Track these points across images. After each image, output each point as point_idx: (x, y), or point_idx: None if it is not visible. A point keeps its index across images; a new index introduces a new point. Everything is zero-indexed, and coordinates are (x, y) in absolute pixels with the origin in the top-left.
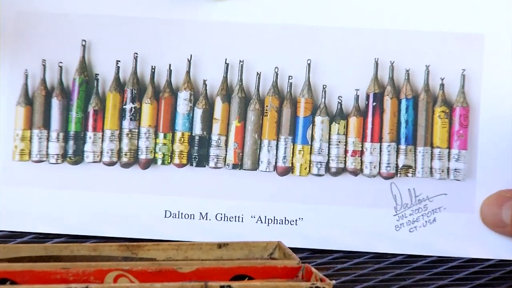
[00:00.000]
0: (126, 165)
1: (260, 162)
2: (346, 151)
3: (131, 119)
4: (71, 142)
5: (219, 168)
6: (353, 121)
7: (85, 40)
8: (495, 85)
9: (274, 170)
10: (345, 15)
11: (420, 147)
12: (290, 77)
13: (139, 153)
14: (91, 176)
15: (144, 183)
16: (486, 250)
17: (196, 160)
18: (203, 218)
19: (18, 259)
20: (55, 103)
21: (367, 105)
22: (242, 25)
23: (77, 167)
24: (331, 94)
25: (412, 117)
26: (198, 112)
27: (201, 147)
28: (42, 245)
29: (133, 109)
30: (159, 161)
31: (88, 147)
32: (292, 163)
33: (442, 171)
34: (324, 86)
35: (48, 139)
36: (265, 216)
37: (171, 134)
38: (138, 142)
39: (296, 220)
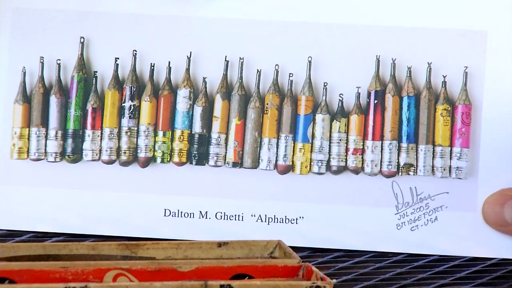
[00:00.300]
0: (125, 164)
1: (260, 160)
2: (347, 149)
3: (130, 117)
4: (69, 140)
5: (219, 166)
6: (354, 119)
7: (83, 37)
8: (498, 82)
9: (275, 169)
10: (346, 12)
11: (422, 145)
12: (291, 75)
13: (138, 151)
14: (90, 175)
15: (143, 182)
16: (488, 249)
17: (196, 158)
18: (202, 217)
19: (17, 258)
20: (53, 101)
21: (368, 103)
22: (242, 22)
23: (75, 165)
24: (332, 92)
25: (413, 115)
26: (198, 110)
27: (201, 145)
28: (40, 244)
29: (132, 107)
30: (159, 160)
31: (86, 145)
32: (292, 161)
33: (444, 170)
34: (325, 84)
35: (46, 137)
36: (265, 215)
37: (170, 132)
38: (137, 140)
39: (296, 219)
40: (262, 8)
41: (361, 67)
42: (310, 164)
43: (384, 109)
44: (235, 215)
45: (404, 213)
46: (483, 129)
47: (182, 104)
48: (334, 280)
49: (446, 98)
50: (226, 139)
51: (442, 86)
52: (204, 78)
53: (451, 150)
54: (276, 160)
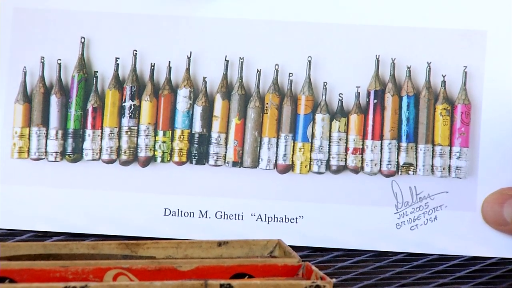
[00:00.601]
0: (125, 163)
1: (260, 160)
2: (346, 149)
3: (130, 117)
4: (70, 140)
5: (219, 166)
6: (354, 118)
7: (84, 37)
8: (497, 82)
9: (274, 168)
10: (346, 12)
11: (421, 144)
12: (291, 74)
13: (139, 150)
14: (90, 174)
15: (143, 181)
16: (488, 248)
17: (196, 158)
18: (202, 216)
19: (17, 257)
20: (54, 101)
21: (368, 103)
22: (242, 21)
23: (76, 165)
24: (332, 91)
25: (413, 114)
26: (198, 110)
27: (201, 145)
28: (41, 243)
29: (132, 107)
30: (159, 159)
31: (87, 144)
32: (292, 160)
33: (444, 169)
34: (325, 83)
35: (46, 137)
36: (265, 214)
37: (170, 131)
38: (137, 140)
39: (296, 218)
40: (262, 8)
41: (361, 67)
42: (310, 163)
43: (384, 109)
44: (235, 215)
45: (403, 213)
46: (483, 128)
47: (182, 103)
48: (334, 279)
49: (446, 98)
50: (226, 139)
51: (441, 86)
52: (204, 78)
53: (450, 150)
54: (276, 160)
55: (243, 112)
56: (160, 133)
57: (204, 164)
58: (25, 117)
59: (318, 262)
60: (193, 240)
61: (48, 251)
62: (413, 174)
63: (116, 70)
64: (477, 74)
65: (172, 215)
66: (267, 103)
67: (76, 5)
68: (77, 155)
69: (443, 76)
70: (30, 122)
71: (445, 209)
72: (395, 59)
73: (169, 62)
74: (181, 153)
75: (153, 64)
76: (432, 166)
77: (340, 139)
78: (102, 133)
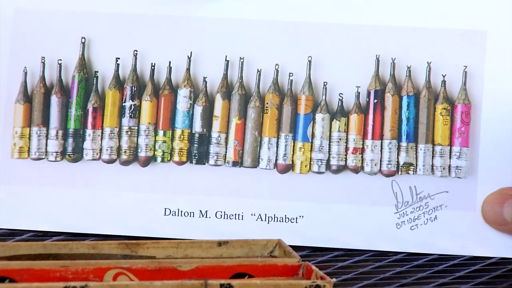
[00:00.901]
0: (125, 163)
1: (260, 160)
2: (347, 149)
3: (130, 117)
4: (70, 140)
5: (219, 165)
6: (354, 118)
7: (84, 37)
8: (497, 82)
9: (275, 168)
10: (346, 12)
11: (422, 144)
12: (291, 74)
13: (139, 150)
14: (90, 174)
15: (143, 181)
16: (488, 248)
17: (196, 157)
18: (203, 216)
19: (17, 257)
20: (54, 101)
21: (368, 102)
22: (242, 21)
23: (76, 164)
24: (332, 91)
25: (413, 114)
26: (198, 110)
27: (201, 145)
28: (41, 243)
29: (132, 107)
30: (159, 159)
31: (87, 144)
32: (292, 160)
33: (444, 169)
34: (325, 83)
35: (47, 137)
36: (265, 214)
37: (170, 131)
38: (137, 140)
39: (296, 218)
40: (262, 8)
41: (361, 67)
42: (310, 163)
43: (384, 109)
44: (235, 214)
45: (403, 212)
46: (483, 128)
47: (182, 103)
48: (334, 279)
49: (446, 98)
50: (226, 139)
51: (441, 86)
52: (204, 78)
53: (450, 149)
54: (276, 159)
55: (243, 112)
56: (160, 133)
57: (204, 164)
58: (26, 117)
59: (318, 262)
60: (193, 240)
61: (48, 251)
62: (413, 174)
63: (117, 70)
64: (477, 74)
65: (172, 215)
66: (267, 103)
67: (76, 5)
68: (77, 155)
69: (443, 76)
70: (30, 122)
71: (445, 209)
72: (395, 59)
73: (170, 62)
74: (181, 153)
75: (153, 64)
76: (432, 166)
77: (340, 139)
78: (102, 133)
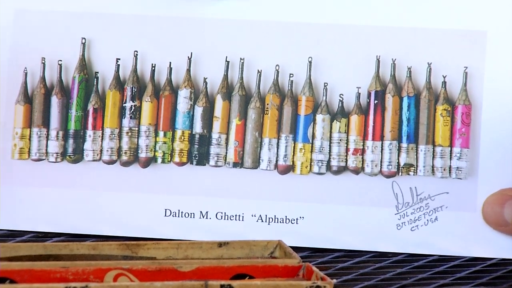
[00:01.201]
0: (126, 164)
1: (260, 161)
2: (347, 150)
3: (131, 117)
4: (70, 141)
5: (220, 166)
6: (355, 119)
7: (84, 38)
8: (498, 82)
9: (275, 169)
10: (346, 12)
11: (422, 145)
12: (291, 75)
13: (139, 151)
14: (91, 175)
15: (144, 182)
16: (488, 249)
17: (196, 158)
18: (203, 217)
19: (18, 258)
20: (55, 101)
21: (368, 103)
22: (243, 22)
23: (76, 165)
24: (332, 92)
25: (413, 115)
26: (199, 110)
27: (202, 146)
28: (41, 244)
29: (133, 107)
30: (159, 160)
31: (87, 145)
32: (293, 161)
33: (444, 170)
34: (325, 84)
35: (47, 138)
36: (266, 215)
37: (171, 132)
38: (138, 141)
39: (297, 219)
40: (262, 8)
41: (361, 68)
42: (311, 164)
43: (384, 109)
44: (236, 215)
45: (404, 213)
46: (483, 129)
47: (182, 104)
48: (334, 280)
49: (446, 98)
50: (227, 139)
51: (442, 86)
52: (204, 79)
53: (451, 150)
54: (277, 160)
55: (244, 113)
56: (161, 133)
57: (205, 164)
58: (26, 118)
59: (319, 262)
60: (193, 240)
61: (49, 251)
62: (414, 174)
63: (117, 71)
64: (477, 74)
65: (173, 215)
66: (267, 104)
67: (77, 6)
68: (77, 156)
69: (444, 77)
70: (30, 123)
71: (445, 209)
72: (395, 59)
73: (170, 63)
74: (182, 154)
75: (153, 65)
76: (433, 166)
77: (340, 140)
78: (102, 133)
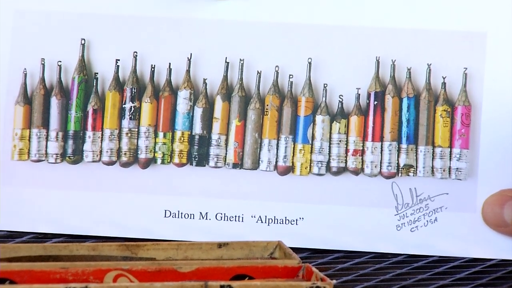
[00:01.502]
0: (125, 165)
1: (260, 162)
2: (347, 150)
3: (130, 118)
4: (70, 142)
5: (219, 167)
6: (354, 120)
7: (84, 39)
8: (497, 83)
9: (275, 170)
10: (346, 13)
11: (422, 146)
12: (291, 76)
13: (139, 152)
14: (91, 176)
15: (143, 183)
16: (488, 250)
17: (196, 159)
18: (203, 218)
19: (17, 258)
20: (54, 102)
21: (368, 104)
22: (243, 23)
23: (76, 166)
24: (332, 93)
25: (413, 116)
26: (198, 111)
27: (201, 147)
28: (41, 245)
29: (132, 108)
30: (159, 161)
31: (87, 146)
32: (292, 162)
33: (444, 171)
34: (325, 85)
35: (47, 139)
36: (266, 216)
37: (171, 133)
38: (137, 142)
39: (296, 220)
40: (262, 9)
41: (361, 68)
42: (310, 165)
43: (384, 110)
44: (235, 216)
45: (404, 214)
46: (483, 130)
47: (182, 105)
48: (334, 281)
49: (446, 99)
50: (226, 140)
51: (441, 87)
52: (204, 80)
53: (450, 151)
54: (276, 161)
55: (243, 114)
56: (160, 134)
57: (204, 165)
58: (26, 118)
59: (318, 263)
60: (193, 241)
61: (48, 252)
62: (413, 175)
63: (117, 71)
64: (477, 75)
65: (172, 216)
66: (267, 105)
67: (76, 7)
68: (77, 157)
69: (443, 78)
70: (30, 123)
71: (445, 210)
72: (395, 60)
73: (169, 63)
74: (181, 155)
75: (153, 66)
76: (432, 167)
77: (340, 141)
78: (102, 134)
